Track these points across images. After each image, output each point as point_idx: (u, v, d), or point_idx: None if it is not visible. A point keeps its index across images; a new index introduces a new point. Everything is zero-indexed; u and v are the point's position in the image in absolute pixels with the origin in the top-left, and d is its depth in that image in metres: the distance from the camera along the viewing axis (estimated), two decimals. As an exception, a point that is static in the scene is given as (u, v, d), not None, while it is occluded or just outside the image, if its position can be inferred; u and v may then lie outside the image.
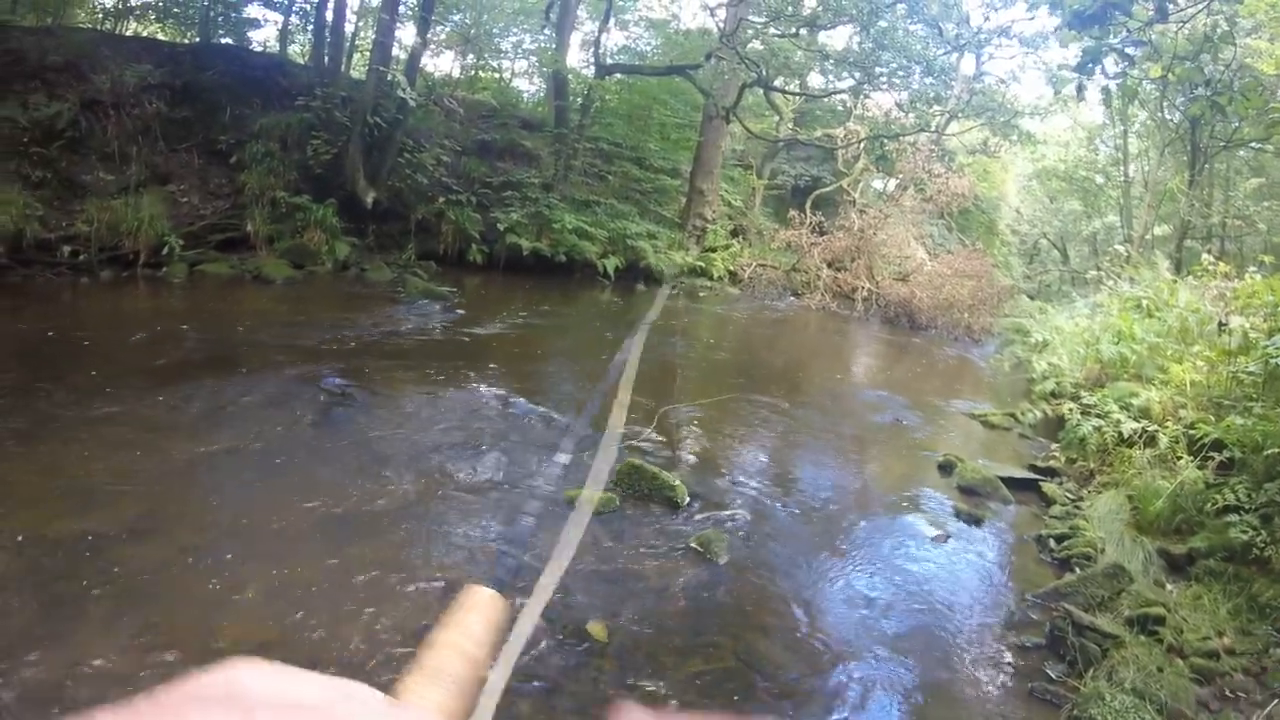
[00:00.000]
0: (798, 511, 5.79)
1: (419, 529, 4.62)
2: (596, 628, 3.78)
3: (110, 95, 11.60)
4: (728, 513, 5.35)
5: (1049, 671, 4.07)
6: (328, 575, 4.00)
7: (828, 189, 20.63)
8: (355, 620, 3.63)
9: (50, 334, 7.63)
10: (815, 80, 22.60)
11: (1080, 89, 6.18)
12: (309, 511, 4.63)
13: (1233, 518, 5.21)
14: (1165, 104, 18.64)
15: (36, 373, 6.38)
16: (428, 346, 9.10)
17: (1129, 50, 5.62)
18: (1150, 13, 5.57)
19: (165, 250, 10.83)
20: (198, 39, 15.82)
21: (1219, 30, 5.71)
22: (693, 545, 4.74)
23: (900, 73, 19.09)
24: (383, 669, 3.32)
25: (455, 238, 14.10)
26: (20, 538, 3.98)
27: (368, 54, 15.45)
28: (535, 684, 3.39)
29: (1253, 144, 17.24)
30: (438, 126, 15.35)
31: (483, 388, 7.50)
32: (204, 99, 12.81)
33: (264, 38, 18.40)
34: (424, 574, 4.12)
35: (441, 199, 14.08)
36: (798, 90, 21.80)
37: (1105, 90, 6.19)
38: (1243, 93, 5.73)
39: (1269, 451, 5.42)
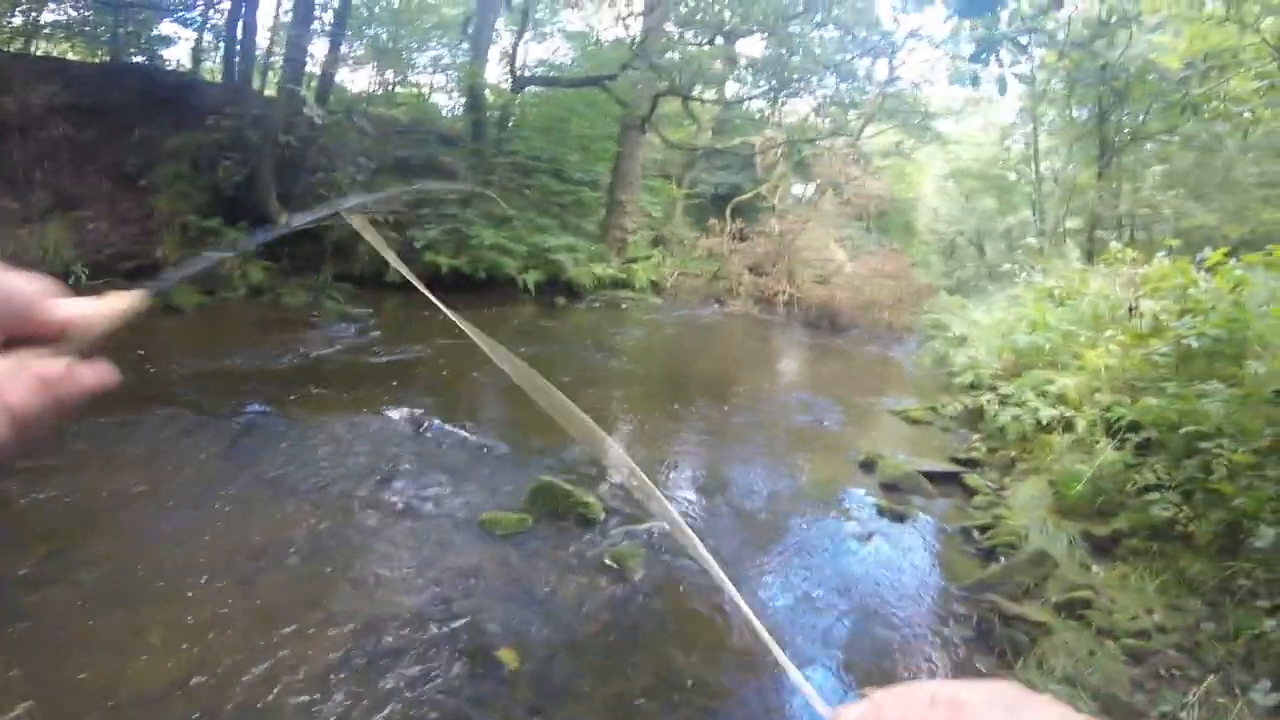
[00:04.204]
0: (720, 519, 5.69)
1: (330, 560, 4.40)
2: (508, 654, 3.61)
3: (16, 117, 11.08)
4: (644, 526, 5.17)
5: (979, 665, 4.01)
6: (236, 614, 3.81)
7: (747, 196, 20.72)
8: (262, 659, 3.43)
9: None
10: (732, 88, 22.74)
11: (975, 79, 6.21)
12: (219, 547, 4.42)
13: (1154, 496, 5.22)
14: (1073, 101, 19.12)
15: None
16: (342, 372, 8.80)
17: (1022, 40, 5.66)
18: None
19: (70, 281, 10.34)
20: (107, 59, 15.28)
21: (1114, 17, 5.78)
22: (608, 562, 4.58)
23: (814, 78, 19.32)
24: (291, 711, 3.14)
25: (372, 258, 13.77)
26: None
27: (281, 71, 15.05)
28: (440, 718, 3.20)
29: (1159, 136, 17.75)
30: (352, 144, 15.00)
31: (397, 412, 7.24)
32: (112, 119, 12.33)
33: (177, 56, 17.81)
34: (333, 608, 3.91)
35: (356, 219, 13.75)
36: (714, 98, 21.90)
37: (1001, 80, 6.23)
38: (1141, 76, 5.83)
39: (1185, 429, 5.47)
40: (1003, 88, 6.13)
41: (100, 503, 4.89)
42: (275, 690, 3.26)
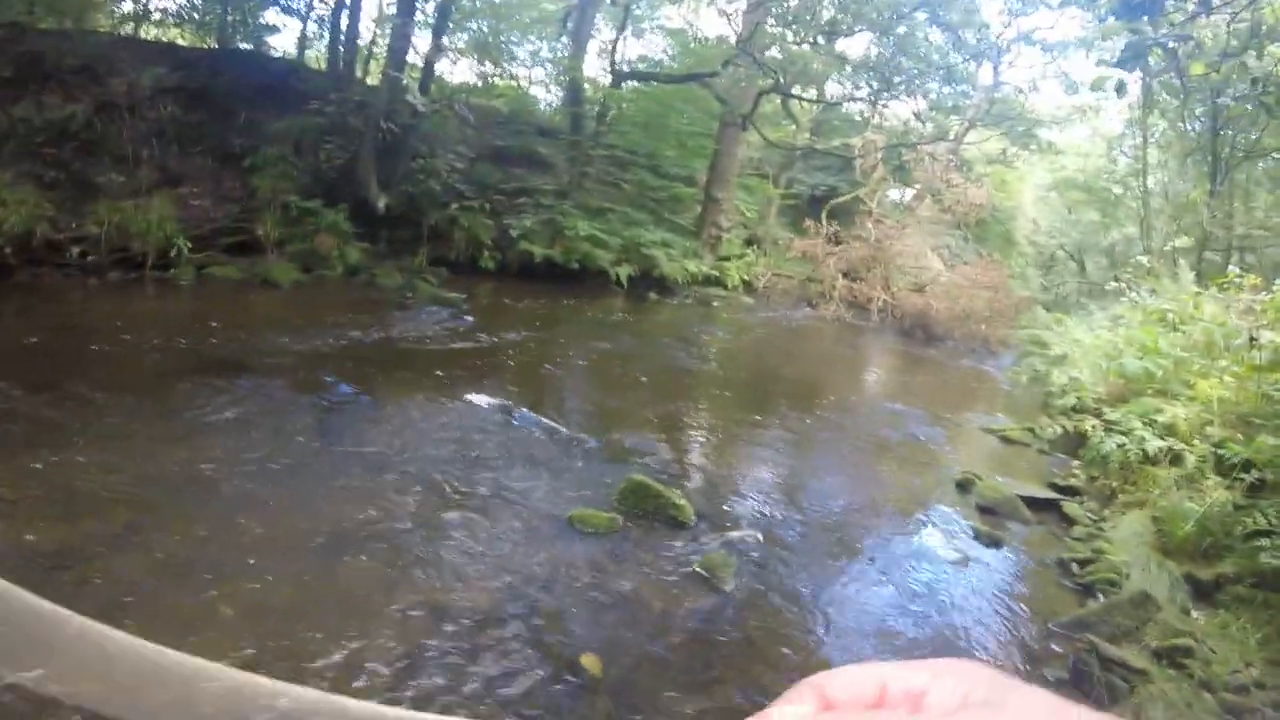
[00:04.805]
0: (810, 533, 5.58)
1: (411, 547, 4.43)
2: (590, 660, 3.58)
3: (125, 98, 11.55)
4: (736, 534, 5.13)
5: (1072, 708, 3.84)
6: (311, 596, 3.82)
7: (844, 199, 20.38)
8: (334, 645, 3.44)
9: (51, 338, 7.53)
10: (833, 89, 22.41)
11: (1121, 86, 5.90)
12: (300, 524, 4.47)
13: (1263, 542, 4.95)
14: (1185, 114, 18.26)
15: (34, 375, 6.25)
16: (433, 354, 8.93)
17: (1173, 45, 5.38)
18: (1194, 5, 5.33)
19: (174, 253, 10.75)
20: (215, 45, 15.81)
21: (1264, 27, 5.43)
22: (698, 570, 4.53)
23: (918, 80, 18.92)
24: (360, 695, 3.14)
25: (467, 244, 13.96)
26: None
27: (384, 60, 15.37)
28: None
29: (1274, 154, 16.86)
30: (452, 132, 15.23)
31: (487, 398, 7.31)
32: (219, 103, 12.77)
33: (281, 44, 18.37)
34: (411, 597, 3.92)
35: (454, 205, 13.94)
36: (815, 98, 21.59)
37: (1147, 87, 5.94)
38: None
39: (1302, 473, 5.18)
40: (1150, 100, 5.84)
41: (182, 473, 4.97)
42: (346, 679, 3.26)
